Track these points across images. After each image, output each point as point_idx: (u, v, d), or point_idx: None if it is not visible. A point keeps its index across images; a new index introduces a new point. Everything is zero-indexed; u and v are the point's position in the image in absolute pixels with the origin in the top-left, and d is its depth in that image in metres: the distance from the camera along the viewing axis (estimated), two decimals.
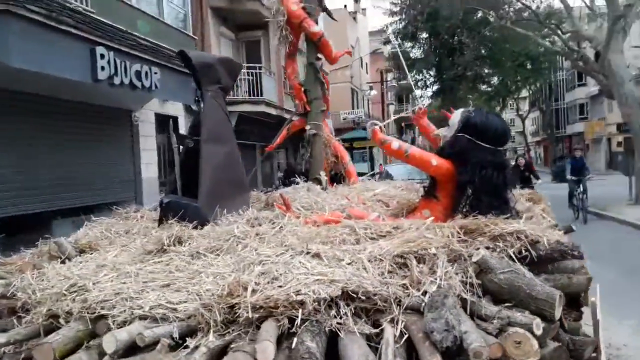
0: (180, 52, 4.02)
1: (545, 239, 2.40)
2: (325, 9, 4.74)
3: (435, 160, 2.85)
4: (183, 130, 18.31)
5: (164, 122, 16.96)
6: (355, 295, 2.01)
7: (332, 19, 4.95)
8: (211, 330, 2.01)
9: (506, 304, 2.17)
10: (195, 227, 3.37)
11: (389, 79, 44.17)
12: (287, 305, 1.93)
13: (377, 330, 1.98)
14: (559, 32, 20.77)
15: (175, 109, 17.63)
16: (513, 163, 13.75)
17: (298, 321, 1.90)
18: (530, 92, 47.74)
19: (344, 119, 36.37)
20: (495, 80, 38.77)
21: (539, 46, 31.62)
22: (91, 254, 3.06)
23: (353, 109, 38.33)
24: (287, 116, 24.03)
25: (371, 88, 36.75)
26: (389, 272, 2.17)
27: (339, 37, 35.28)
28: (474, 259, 2.29)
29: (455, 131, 2.87)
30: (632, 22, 18.39)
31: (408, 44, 37.10)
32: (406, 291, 2.10)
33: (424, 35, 35.67)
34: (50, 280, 2.58)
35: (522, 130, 52.30)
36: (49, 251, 3.09)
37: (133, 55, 12.67)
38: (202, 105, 3.93)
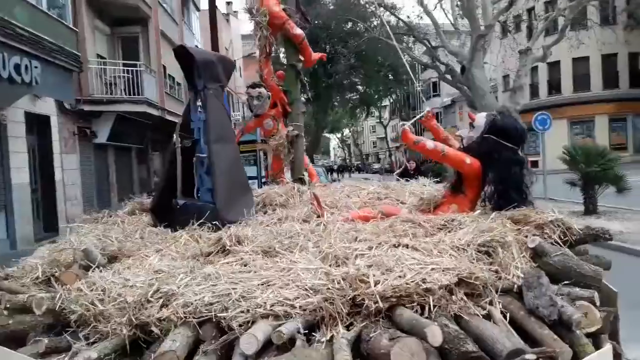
0: (180, 48, 3.84)
1: (575, 225, 2.82)
2: (302, 12, 4.84)
3: (468, 159, 3.17)
4: (56, 130, 16.71)
5: (36, 122, 15.35)
6: (466, 281, 2.21)
7: (307, 21, 5.05)
8: (339, 323, 2.07)
9: (563, 282, 2.52)
10: (214, 229, 3.29)
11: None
12: (419, 293, 2.07)
13: (485, 312, 2.20)
14: (430, 45, 22.77)
15: (47, 107, 16.03)
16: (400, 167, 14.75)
17: (431, 307, 2.05)
18: (391, 101, 51.43)
19: None
20: (362, 89, 41.08)
21: (401, 58, 34.40)
22: (122, 262, 2.84)
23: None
24: (168, 117, 23.12)
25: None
26: (477, 259, 2.40)
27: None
28: (531, 245, 2.63)
29: (482, 132, 3.22)
30: (491, 41, 20.93)
31: (282, 49, 37.73)
32: (497, 275, 2.34)
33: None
34: (110, 290, 2.38)
35: (384, 136, 56.12)
36: (74, 260, 2.79)
37: (11, 47, 11.35)
38: (198, 103, 3.80)
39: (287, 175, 5.38)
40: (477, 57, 19.71)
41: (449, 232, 2.75)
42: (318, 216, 3.28)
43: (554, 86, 34.89)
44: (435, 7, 23.84)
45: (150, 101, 20.48)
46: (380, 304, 2.06)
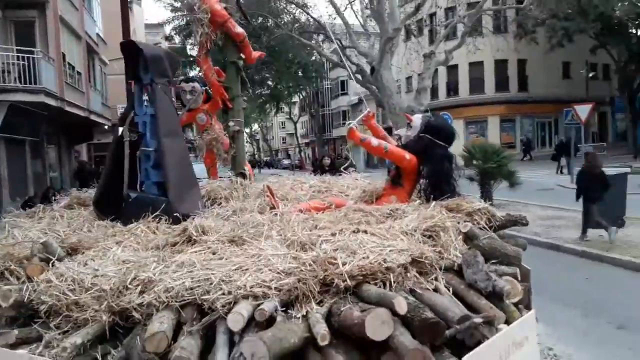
0: (127, 42, 3.83)
1: (497, 213, 3.28)
2: (242, 11, 4.93)
3: (407, 155, 3.53)
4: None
5: None
6: (418, 261, 2.55)
7: (247, 20, 5.14)
8: (312, 300, 2.31)
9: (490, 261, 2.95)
10: (167, 221, 3.38)
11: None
12: (382, 271, 2.37)
13: (433, 287, 2.55)
14: (341, 45, 23.45)
15: None
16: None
17: (392, 283, 2.36)
18: (300, 97, 52.05)
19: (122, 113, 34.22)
20: (272, 84, 41.15)
21: (309, 55, 35.02)
22: (82, 253, 2.86)
23: None
24: (68, 109, 21.77)
25: None
26: (423, 242, 2.75)
27: (114, 27, 33.06)
28: (464, 230, 3.04)
29: (418, 132, 3.60)
30: (398, 44, 22.04)
31: (190, 41, 36.85)
32: (440, 255, 2.71)
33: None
34: (81, 280, 2.43)
35: (294, 132, 56.69)
36: (32, 253, 2.76)
37: None
38: (145, 97, 3.83)
39: (222, 169, 5.49)
40: (385, 59, 20.67)
41: (396, 219, 3.08)
42: (272, 208, 3.47)
43: (452, 88, 37.35)
44: (346, 8, 24.62)
45: (48, 91, 19.14)
46: (349, 282, 2.32)
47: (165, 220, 3.37)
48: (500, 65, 35.41)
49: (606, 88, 36.18)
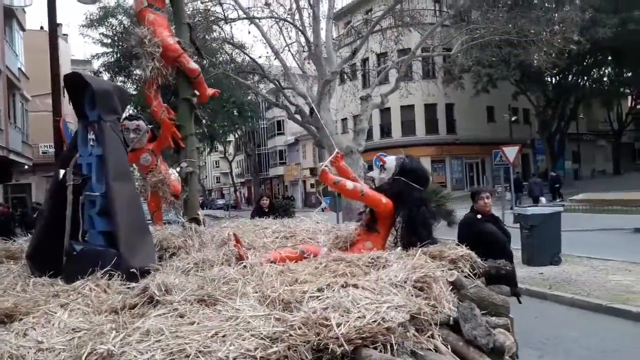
0: (74, 75, 3.44)
1: (478, 259, 3.13)
2: (195, 45, 4.65)
3: (384, 198, 3.34)
4: None
5: None
6: (415, 317, 2.31)
7: (201, 56, 4.85)
8: None
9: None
10: (120, 278, 2.96)
11: None
12: (382, 332, 2.11)
13: (432, 346, 2.32)
14: (280, 86, 23.53)
15: None
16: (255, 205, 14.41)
17: (393, 346, 2.10)
18: (236, 136, 51.60)
19: (44, 153, 32.44)
20: (207, 123, 40.53)
21: (245, 95, 34.95)
22: (20, 320, 2.39)
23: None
24: None
25: None
26: (415, 295, 2.52)
27: (38, 62, 31.58)
28: (450, 279, 2.85)
29: (393, 174, 3.43)
30: (335, 87, 22.42)
31: (120, 79, 35.84)
32: (434, 309, 2.49)
33: (139, 72, 35.01)
34: (22, 357, 1.99)
35: (229, 171, 55.81)
36: None
37: None
38: (91, 136, 3.43)
39: (169, 213, 5.08)
40: (324, 101, 20.88)
41: (379, 269, 2.85)
42: (239, 258, 3.14)
43: (385, 130, 38.43)
44: (283, 50, 24.84)
45: None
46: (346, 347, 2.04)
47: (117, 276, 2.94)
48: (430, 109, 36.95)
49: (527, 131, 38.55)
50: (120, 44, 32.15)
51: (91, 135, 3.42)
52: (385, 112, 35.26)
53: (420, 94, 29.43)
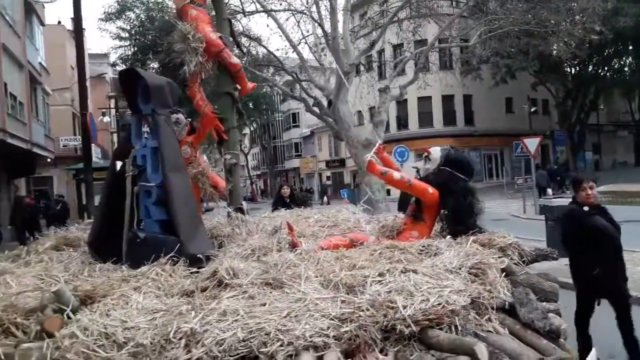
0: (128, 70, 3.57)
1: (526, 247, 3.21)
2: (235, 40, 4.76)
3: (430, 189, 3.43)
4: None
5: None
6: (474, 301, 2.41)
7: (241, 50, 4.96)
8: (376, 349, 2.12)
9: None
10: (176, 263, 3.10)
11: (112, 105, 41.83)
12: (448, 315, 2.21)
13: (490, 328, 2.41)
14: (298, 79, 23.59)
15: None
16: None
17: (458, 327, 2.20)
18: (251, 129, 51.80)
19: (65, 146, 32.93)
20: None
21: (260, 88, 35.08)
22: (99, 302, 2.54)
23: (75, 135, 34.95)
24: (10, 140, 20.56)
25: (104, 114, 34.24)
26: (471, 281, 2.62)
27: (57, 57, 31.99)
28: (501, 266, 2.93)
29: (438, 165, 3.52)
30: (353, 78, 22.41)
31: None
32: (490, 294, 2.58)
33: (155, 65, 35.30)
34: (112, 334, 2.13)
35: (245, 164, 56.10)
36: (42, 302, 2.42)
37: None
38: (145, 129, 3.57)
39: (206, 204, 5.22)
40: (342, 93, 20.92)
41: (430, 256, 2.95)
42: (292, 245, 3.26)
43: (402, 122, 38.31)
44: (300, 42, 24.88)
45: None
46: (413, 327, 2.15)
47: (180, 262, 3.08)
48: (448, 100, 36.72)
49: (546, 122, 38.15)
50: (137, 37, 32.45)
51: (145, 128, 3.56)
52: (402, 103, 35.12)
53: (438, 85, 29.28)
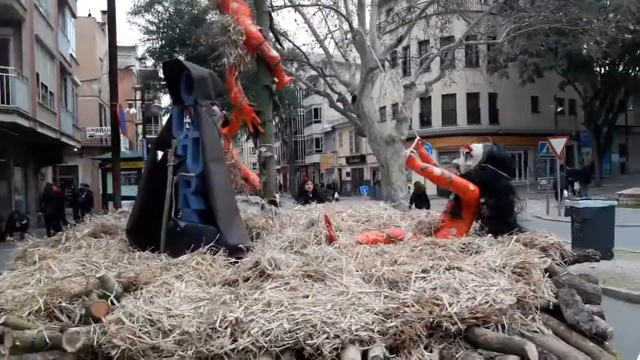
0: (173, 62, 3.61)
1: (567, 246, 3.16)
2: (275, 33, 4.77)
3: (471, 186, 3.40)
4: None
5: None
6: (520, 301, 2.37)
7: (280, 44, 4.98)
8: (420, 345, 2.10)
9: None
10: (215, 253, 3.12)
11: (138, 97, 42.32)
12: (496, 314, 2.19)
13: (535, 329, 2.38)
14: (322, 73, 23.55)
15: None
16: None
17: (505, 326, 2.18)
18: (274, 123, 51.91)
19: (91, 136, 33.51)
20: None
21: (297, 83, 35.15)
22: (141, 289, 2.57)
23: (101, 125, 35.50)
24: (40, 129, 20.98)
25: (130, 106, 34.72)
26: (515, 280, 2.58)
27: (87, 48, 32.50)
28: (544, 266, 2.89)
29: (480, 162, 3.48)
30: (378, 75, 22.30)
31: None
32: (535, 294, 2.54)
33: (182, 58, 35.43)
34: (158, 321, 2.16)
35: None
36: (87, 287, 2.46)
37: None
38: (187, 120, 3.60)
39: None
40: (367, 89, 20.80)
41: (471, 254, 2.92)
42: (329, 239, 3.26)
43: (425, 119, 37.99)
44: (325, 37, 24.81)
45: (21, 111, 18.42)
46: (460, 325, 2.13)
47: (220, 252, 3.10)
48: (472, 98, 36.31)
49: (572, 122, 37.49)
50: (165, 30, 32.78)
51: (187, 119, 3.59)
52: (425, 100, 34.81)
53: (463, 83, 28.94)
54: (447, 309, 2.16)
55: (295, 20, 24.07)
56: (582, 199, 14.59)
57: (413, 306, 2.19)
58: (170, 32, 32.67)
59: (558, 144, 20.25)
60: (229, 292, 2.44)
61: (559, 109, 32.27)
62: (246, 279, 2.60)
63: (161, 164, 3.55)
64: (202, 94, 3.57)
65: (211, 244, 3.08)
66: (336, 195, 30.94)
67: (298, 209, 4.66)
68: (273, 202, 4.40)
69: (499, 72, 31.50)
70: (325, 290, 2.41)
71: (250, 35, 4.37)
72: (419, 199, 13.03)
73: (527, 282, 2.60)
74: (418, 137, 3.95)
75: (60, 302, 2.44)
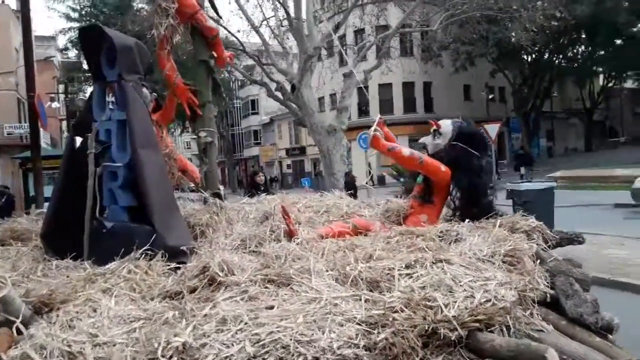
0: (91, 27, 3.00)
1: (548, 231, 2.88)
2: (213, 4, 4.20)
3: (442, 167, 3.04)
4: None
5: None
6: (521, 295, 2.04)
7: (218, 15, 4.40)
8: (417, 358, 1.72)
9: None
10: (152, 258, 2.59)
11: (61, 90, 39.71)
12: (500, 314, 1.83)
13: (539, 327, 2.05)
14: (260, 63, 22.89)
15: None
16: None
17: (510, 327, 1.83)
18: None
19: (9, 134, 31.09)
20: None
21: (221, 73, 34.07)
22: (58, 309, 2.01)
23: (21, 122, 33.04)
24: None
25: (52, 100, 32.46)
26: (507, 271, 2.25)
27: (1, 38, 30.01)
28: (530, 253, 2.58)
29: (449, 140, 3.13)
30: (316, 63, 21.90)
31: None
32: (530, 285, 2.22)
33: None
34: (79, 353, 1.64)
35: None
36: None
37: None
38: (110, 99, 3.02)
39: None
40: (306, 77, 20.39)
41: (451, 243, 2.57)
42: (289, 233, 2.80)
43: (363, 109, 38.12)
44: (261, 24, 24.11)
45: None
46: (460, 331, 1.76)
47: (156, 256, 2.57)
48: (408, 87, 36.79)
49: (503, 109, 38.83)
50: (88, 18, 30.93)
51: (110, 98, 3.00)
52: (363, 90, 34.96)
53: (400, 72, 29.18)
54: (442, 311, 1.78)
55: (230, 3, 23.19)
56: (522, 182, 14.99)
57: (402, 311, 1.79)
58: (94, 20, 31.00)
59: (492, 129, 20.76)
60: (172, 307, 1.94)
61: (490, 96, 33.29)
62: (192, 290, 2.10)
63: (81, 152, 2.95)
64: (128, 66, 2.99)
65: (146, 247, 2.54)
66: (277, 188, 30.52)
67: (246, 201, 4.16)
68: (217, 195, 3.88)
69: (433, 60, 31.99)
70: (292, 297, 1.96)
71: (183, 3, 3.80)
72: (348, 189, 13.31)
73: (521, 273, 2.27)
74: (379, 116, 3.57)
75: None
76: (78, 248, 2.82)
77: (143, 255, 2.54)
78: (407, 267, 2.11)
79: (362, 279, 2.08)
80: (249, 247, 2.68)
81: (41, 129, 11.72)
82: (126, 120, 2.92)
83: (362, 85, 24.28)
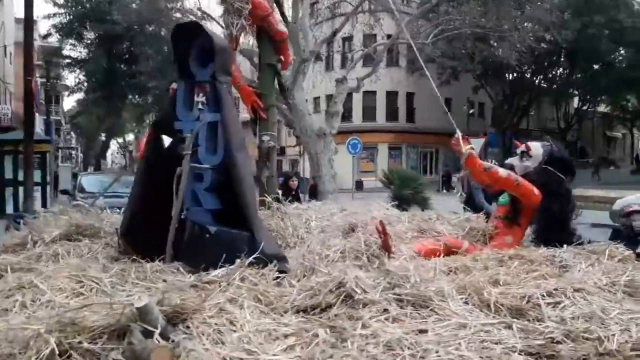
0: (184, 25, 2.87)
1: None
2: (280, 8, 4.10)
3: (535, 189, 3.04)
4: None
5: None
6: None
7: (285, 20, 4.30)
8: None
9: None
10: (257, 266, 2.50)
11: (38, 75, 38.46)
12: None
13: None
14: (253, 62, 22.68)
15: None
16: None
17: None
18: None
19: None
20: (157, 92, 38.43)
21: None
22: (189, 319, 1.90)
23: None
24: None
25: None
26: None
27: None
28: None
29: (540, 163, 3.13)
30: (309, 66, 21.85)
31: (70, 41, 33.54)
32: None
33: (91, 35, 32.83)
34: None
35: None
36: (119, 322, 1.75)
37: None
38: (199, 99, 2.90)
39: None
40: (298, 80, 20.33)
41: (558, 269, 2.56)
42: (386, 250, 2.73)
43: (346, 114, 38.29)
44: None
45: None
46: None
47: (255, 265, 2.47)
48: (392, 97, 37.20)
49: (481, 124, 39.59)
50: (75, 5, 30.11)
51: (199, 98, 2.87)
52: (347, 96, 35.12)
53: (386, 81, 29.41)
54: (605, 345, 1.76)
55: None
56: None
57: (564, 342, 1.76)
58: (80, 7, 30.25)
59: (477, 143, 21.15)
60: (319, 324, 1.86)
61: (470, 111, 33.89)
62: (327, 306, 2.01)
63: (169, 152, 2.83)
64: (223, 68, 2.88)
65: (246, 254, 2.43)
66: None
67: (297, 207, 4.08)
68: (278, 200, 3.77)
69: (419, 72, 32.38)
70: (439, 321, 1.91)
71: (257, 5, 3.70)
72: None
73: None
74: (458, 132, 3.50)
75: (80, 342, 1.72)
76: (160, 250, 2.70)
77: (247, 264, 2.44)
78: (547, 294, 2.09)
79: (502, 306, 2.04)
80: (349, 260, 2.59)
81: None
82: (220, 122, 2.81)
83: (354, 92, 24.44)
